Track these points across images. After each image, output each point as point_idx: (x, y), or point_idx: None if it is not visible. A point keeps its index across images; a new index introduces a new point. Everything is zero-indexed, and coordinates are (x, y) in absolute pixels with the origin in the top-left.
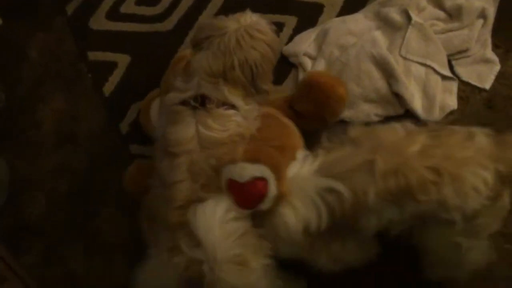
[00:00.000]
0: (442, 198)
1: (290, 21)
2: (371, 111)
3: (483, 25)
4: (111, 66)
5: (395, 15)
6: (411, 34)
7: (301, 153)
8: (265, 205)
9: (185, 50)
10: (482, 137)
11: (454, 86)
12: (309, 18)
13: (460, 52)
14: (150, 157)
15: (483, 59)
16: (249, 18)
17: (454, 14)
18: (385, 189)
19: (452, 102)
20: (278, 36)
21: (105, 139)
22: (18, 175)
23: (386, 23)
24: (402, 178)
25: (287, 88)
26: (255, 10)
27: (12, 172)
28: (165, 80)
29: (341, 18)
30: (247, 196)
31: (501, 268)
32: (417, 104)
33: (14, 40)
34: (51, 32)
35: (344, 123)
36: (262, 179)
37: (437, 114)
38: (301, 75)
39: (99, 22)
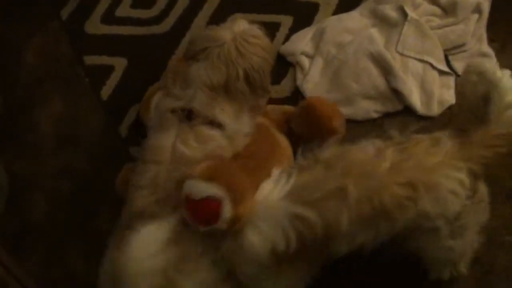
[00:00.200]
0: (421, 209)
1: (286, 20)
2: (370, 107)
3: (478, 20)
4: (108, 69)
5: (391, 12)
6: (408, 31)
7: (275, 171)
8: (220, 225)
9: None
10: (446, 141)
11: (451, 81)
12: (304, 17)
13: (456, 47)
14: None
15: (480, 53)
16: (242, 25)
17: (449, 10)
18: (359, 214)
19: (450, 97)
20: (273, 36)
21: (105, 140)
22: (17, 177)
23: (382, 20)
24: (376, 201)
25: (286, 87)
26: (250, 10)
27: (11, 175)
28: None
29: (337, 16)
30: (200, 215)
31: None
32: (416, 99)
33: (10, 43)
34: (48, 34)
35: None
36: (216, 199)
37: (435, 109)
38: (299, 74)
39: (95, 26)
